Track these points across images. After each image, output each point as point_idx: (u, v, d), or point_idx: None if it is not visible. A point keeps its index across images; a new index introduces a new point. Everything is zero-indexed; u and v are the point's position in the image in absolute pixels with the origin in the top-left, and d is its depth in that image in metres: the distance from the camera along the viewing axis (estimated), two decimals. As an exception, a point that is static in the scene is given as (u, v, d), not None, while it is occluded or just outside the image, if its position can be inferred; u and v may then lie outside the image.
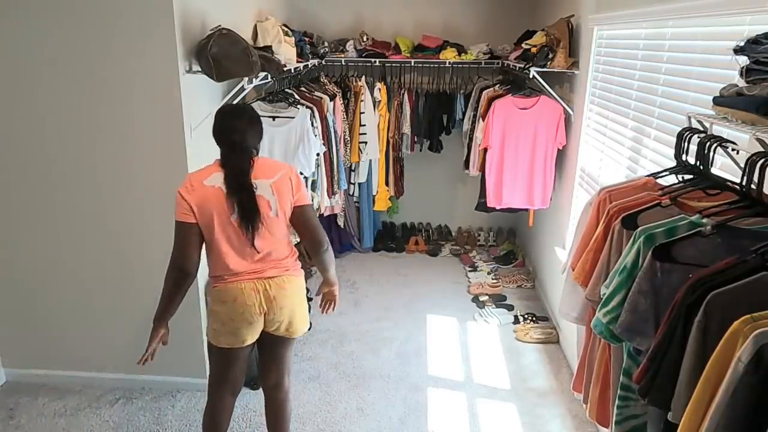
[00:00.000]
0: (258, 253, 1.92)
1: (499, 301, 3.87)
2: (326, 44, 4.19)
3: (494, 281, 4.12)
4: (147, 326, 2.76)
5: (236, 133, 1.87)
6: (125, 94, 2.41)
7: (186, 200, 1.85)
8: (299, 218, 1.99)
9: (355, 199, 4.40)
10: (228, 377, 2.09)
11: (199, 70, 2.42)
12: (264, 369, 2.17)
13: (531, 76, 3.23)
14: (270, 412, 2.20)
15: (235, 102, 2.83)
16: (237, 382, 2.13)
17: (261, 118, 3.02)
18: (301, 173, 3.13)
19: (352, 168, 4.16)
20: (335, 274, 2.16)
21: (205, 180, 1.87)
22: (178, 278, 1.87)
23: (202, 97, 2.63)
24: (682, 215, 1.37)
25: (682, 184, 1.55)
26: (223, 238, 1.88)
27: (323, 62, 4.20)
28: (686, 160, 1.59)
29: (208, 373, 2.69)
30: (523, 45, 3.48)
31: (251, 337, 2.00)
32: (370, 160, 4.20)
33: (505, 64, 3.98)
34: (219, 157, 1.93)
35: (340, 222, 4.32)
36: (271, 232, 1.93)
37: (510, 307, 3.76)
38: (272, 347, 2.11)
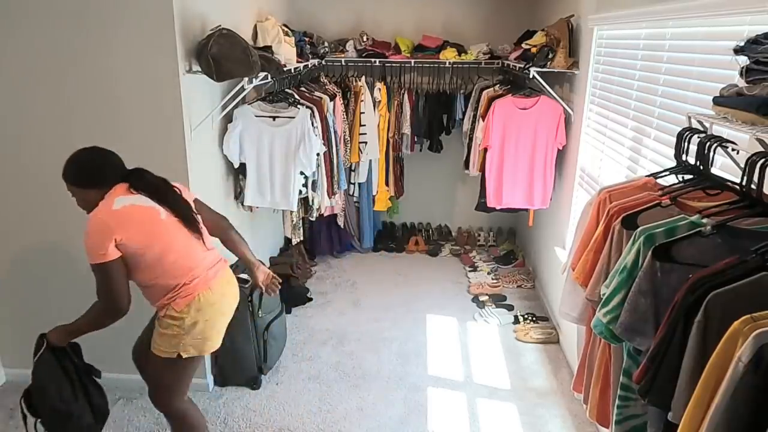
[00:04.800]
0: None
1: (499, 301, 3.87)
2: (326, 44, 4.19)
3: (494, 281, 4.12)
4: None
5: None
6: (125, 94, 2.41)
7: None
8: (199, 207, 2.04)
9: (355, 199, 4.40)
10: (187, 387, 2.10)
11: (199, 70, 2.42)
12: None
13: (531, 76, 3.23)
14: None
15: (234, 103, 2.83)
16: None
17: (261, 118, 2.99)
18: (302, 173, 3.13)
19: (352, 168, 4.16)
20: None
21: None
22: None
23: (202, 97, 2.63)
24: (682, 215, 1.37)
25: (682, 184, 1.55)
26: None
27: (323, 62, 4.20)
28: (686, 160, 1.59)
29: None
30: (523, 45, 3.48)
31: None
32: (370, 160, 4.20)
33: (505, 64, 3.98)
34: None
35: (340, 222, 4.32)
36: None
37: (510, 307, 3.76)
38: None
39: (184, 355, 1.93)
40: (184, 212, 1.91)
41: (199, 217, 1.98)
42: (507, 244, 4.77)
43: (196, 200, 2.06)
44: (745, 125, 1.22)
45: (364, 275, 4.29)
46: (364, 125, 4.03)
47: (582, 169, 3.12)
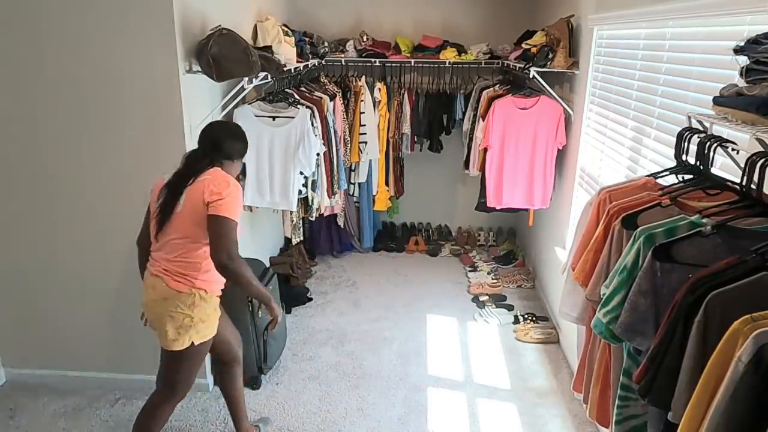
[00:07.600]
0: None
1: (499, 301, 3.87)
2: (326, 44, 4.19)
3: (494, 281, 4.12)
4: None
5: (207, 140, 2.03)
6: (126, 93, 2.41)
7: None
8: (209, 226, 1.87)
9: (355, 199, 4.40)
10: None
11: (199, 70, 2.42)
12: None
13: (531, 76, 3.23)
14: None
15: (234, 103, 2.84)
16: None
17: (261, 118, 2.98)
18: (301, 173, 3.13)
19: (352, 168, 4.16)
20: (264, 291, 2.00)
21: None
22: None
23: (202, 97, 2.63)
24: (682, 215, 1.37)
25: (682, 184, 1.55)
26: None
27: (323, 62, 4.20)
28: (686, 160, 1.59)
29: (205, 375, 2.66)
30: (523, 45, 3.48)
31: None
32: (370, 160, 4.20)
33: (505, 64, 3.98)
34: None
35: (340, 222, 4.32)
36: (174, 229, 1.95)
37: (510, 307, 3.76)
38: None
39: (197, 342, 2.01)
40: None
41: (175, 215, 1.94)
42: (507, 244, 4.77)
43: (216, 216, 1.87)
44: (745, 125, 1.22)
45: (364, 275, 4.29)
46: (364, 125, 4.03)
47: (582, 169, 3.12)
